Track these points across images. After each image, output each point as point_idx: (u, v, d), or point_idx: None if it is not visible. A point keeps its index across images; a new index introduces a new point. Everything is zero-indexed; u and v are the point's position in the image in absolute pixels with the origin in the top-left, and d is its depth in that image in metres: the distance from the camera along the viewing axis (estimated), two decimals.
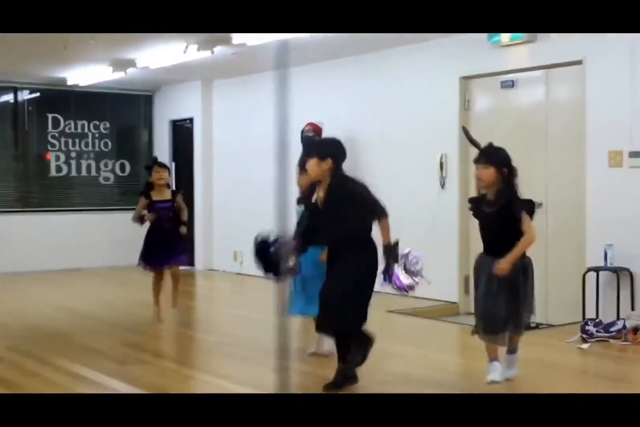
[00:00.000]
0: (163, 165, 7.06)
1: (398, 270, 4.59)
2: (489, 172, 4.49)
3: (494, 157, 4.55)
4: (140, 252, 6.94)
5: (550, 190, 7.06)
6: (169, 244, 6.81)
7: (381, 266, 4.65)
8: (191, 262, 10.38)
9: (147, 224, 6.95)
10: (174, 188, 7.62)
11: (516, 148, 7.23)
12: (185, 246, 7.09)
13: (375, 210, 4.69)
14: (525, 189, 6.98)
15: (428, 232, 7.75)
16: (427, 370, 5.10)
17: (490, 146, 4.65)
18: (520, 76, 7.31)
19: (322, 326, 4.83)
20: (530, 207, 4.52)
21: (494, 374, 4.51)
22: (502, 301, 4.43)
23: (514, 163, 4.54)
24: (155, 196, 6.88)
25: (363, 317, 4.70)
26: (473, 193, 5.05)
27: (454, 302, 7.73)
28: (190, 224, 7.39)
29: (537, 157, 7.11)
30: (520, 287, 4.47)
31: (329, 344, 5.41)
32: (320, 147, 5.03)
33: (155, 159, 7.48)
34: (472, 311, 4.72)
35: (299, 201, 5.77)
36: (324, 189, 4.81)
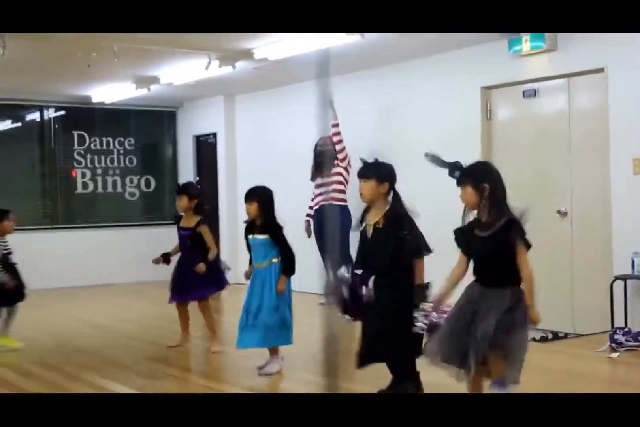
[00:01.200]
0: (181, 191, 6.51)
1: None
2: (466, 193, 4.12)
3: (465, 175, 4.14)
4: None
5: (575, 198, 7.02)
6: (185, 276, 6.32)
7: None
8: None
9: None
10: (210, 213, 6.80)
11: (540, 157, 7.29)
12: (205, 278, 6.25)
13: (409, 250, 4.56)
14: (550, 198, 7.04)
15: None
16: None
17: (467, 165, 4.23)
18: (542, 85, 7.30)
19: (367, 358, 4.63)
20: (524, 234, 3.92)
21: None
22: (470, 331, 3.89)
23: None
24: (182, 222, 6.47)
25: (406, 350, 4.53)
26: None
27: None
28: (215, 241, 6.59)
29: (561, 165, 7.09)
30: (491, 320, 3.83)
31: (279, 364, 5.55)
32: (379, 169, 4.76)
33: (177, 186, 6.59)
34: None
35: (251, 229, 5.54)
36: (376, 213, 4.69)
